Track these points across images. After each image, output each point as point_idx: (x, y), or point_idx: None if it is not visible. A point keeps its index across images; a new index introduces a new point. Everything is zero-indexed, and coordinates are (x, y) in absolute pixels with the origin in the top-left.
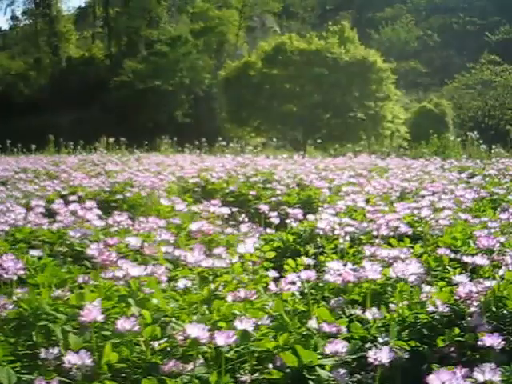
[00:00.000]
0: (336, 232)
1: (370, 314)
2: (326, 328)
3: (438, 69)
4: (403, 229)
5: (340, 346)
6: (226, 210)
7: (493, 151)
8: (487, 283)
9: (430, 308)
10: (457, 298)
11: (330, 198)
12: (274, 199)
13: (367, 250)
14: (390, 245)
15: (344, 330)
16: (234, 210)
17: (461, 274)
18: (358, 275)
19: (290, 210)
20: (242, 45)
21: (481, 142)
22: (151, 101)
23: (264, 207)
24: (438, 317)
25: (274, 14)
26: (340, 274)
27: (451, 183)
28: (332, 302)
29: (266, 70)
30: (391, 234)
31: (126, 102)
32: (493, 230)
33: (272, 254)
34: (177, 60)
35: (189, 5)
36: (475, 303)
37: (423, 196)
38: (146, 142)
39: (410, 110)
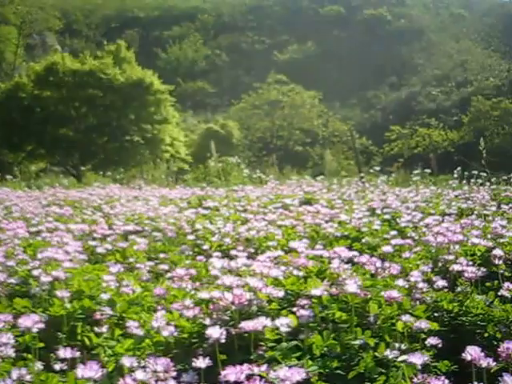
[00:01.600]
0: None
1: None
2: None
3: (226, 89)
4: None
5: None
6: None
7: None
8: None
9: None
10: None
11: None
12: None
13: None
14: None
15: None
16: None
17: None
18: None
19: None
20: (20, 63)
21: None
22: None
23: None
24: None
25: (55, 32)
26: None
27: None
28: None
29: (38, 92)
30: None
31: None
32: None
33: None
34: None
35: None
36: None
37: None
38: None
39: (196, 132)
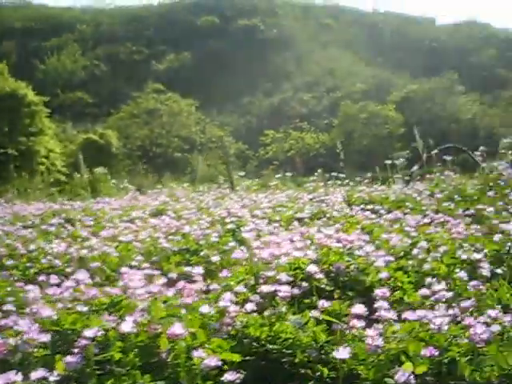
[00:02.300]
0: None
1: None
2: None
3: (105, 99)
4: None
5: None
6: None
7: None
8: None
9: None
10: None
11: None
12: None
13: None
14: None
15: None
16: None
17: None
18: None
19: None
20: None
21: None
22: None
23: None
24: None
25: None
26: None
27: None
28: None
29: None
30: None
31: None
32: None
33: None
34: None
35: None
36: None
37: None
38: None
39: (75, 142)
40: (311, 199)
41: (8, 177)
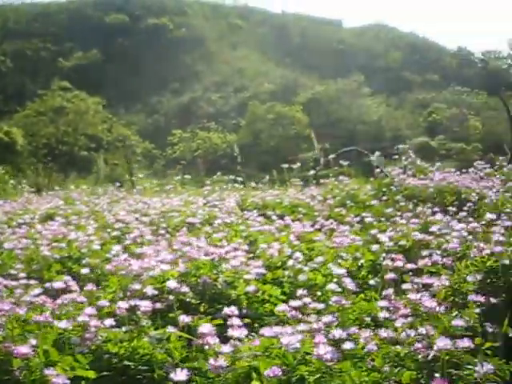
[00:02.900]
0: None
1: None
2: None
3: (11, 95)
4: None
5: None
6: None
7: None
8: None
9: None
10: None
11: None
12: None
13: None
14: None
15: None
16: None
17: None
18: None
19: None
20: None
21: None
22: None
23: None
24: None
25: None
26: None
27: None
28: None
29: None
30: None
31: None
32: None
33: None
34: None
35: None
36: None
37: None
38: None
39: None
40: (205, 204)
41: None
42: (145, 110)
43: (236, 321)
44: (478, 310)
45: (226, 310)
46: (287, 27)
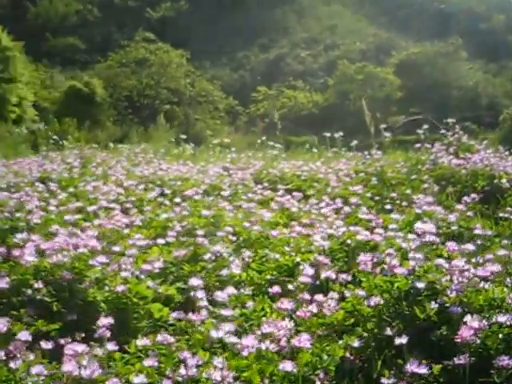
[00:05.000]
0: None
1: None
2: None
3: (97, 46)
4: None
5: None
6: None
7: None
8: None
9: None
10: None
11: None
12: None
13: None
14: None
15: None
16: None
17: None
18: None
19: None
20: None
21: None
22: None
23: None
24: None
25: None
26: None
27: None
28: None
29: None
30: None
31: None
32: None
33: None
34: None
35: None
36: None
37: None
38: None
39: (59, 90)
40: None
41: None
42: (230, 65)
43: None
44: None
45: None
46: None
